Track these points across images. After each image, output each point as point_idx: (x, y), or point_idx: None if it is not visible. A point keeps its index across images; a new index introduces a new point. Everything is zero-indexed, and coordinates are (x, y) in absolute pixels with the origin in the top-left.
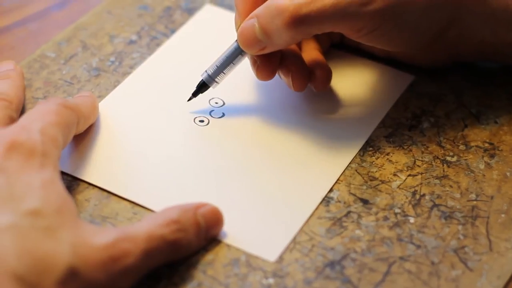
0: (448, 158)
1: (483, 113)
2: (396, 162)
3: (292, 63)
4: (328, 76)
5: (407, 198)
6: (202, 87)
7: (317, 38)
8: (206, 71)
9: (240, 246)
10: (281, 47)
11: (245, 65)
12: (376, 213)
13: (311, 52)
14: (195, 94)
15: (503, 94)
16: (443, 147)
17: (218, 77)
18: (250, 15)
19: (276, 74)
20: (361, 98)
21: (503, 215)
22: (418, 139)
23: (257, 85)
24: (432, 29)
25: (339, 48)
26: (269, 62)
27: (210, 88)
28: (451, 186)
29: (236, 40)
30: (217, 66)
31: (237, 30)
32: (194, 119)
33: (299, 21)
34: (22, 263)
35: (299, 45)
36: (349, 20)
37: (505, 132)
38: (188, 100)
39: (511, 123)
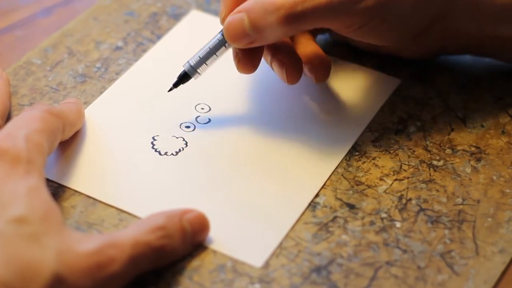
0: (435, 162)
1: (469, 117)
2: (383, 167)
3: (285, 56)
4: (328, 66)
5: (393, 202)
6: (183, 78)
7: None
8: (188, 61)
9: (226, 252)
10: (270, 42)
11: (232, 70)
12: (363, 218)
13: (307, 44)
14: (176, 85)
15: (489, 98)
16: (429, 151)
17: (200, 68)
18: (238, 8)
19: (270, 68)
20: (347, 103)
21: (489, 219)
22: (404, 144)
23: (243, 91)
24: (420, 24)
25: (325, 47)
26: (251, 56)
27: (194, 86)
28: (437, 190)
29: (221, 32)
30: (199, 57)
31: (221, 22)
32: (180, 125)
33: (294, 18)
34: (7, 270)
35: (293, 37)
36: (341, 17)
37: (492, 136)
38: (169, 91)
39: (498, 127)
